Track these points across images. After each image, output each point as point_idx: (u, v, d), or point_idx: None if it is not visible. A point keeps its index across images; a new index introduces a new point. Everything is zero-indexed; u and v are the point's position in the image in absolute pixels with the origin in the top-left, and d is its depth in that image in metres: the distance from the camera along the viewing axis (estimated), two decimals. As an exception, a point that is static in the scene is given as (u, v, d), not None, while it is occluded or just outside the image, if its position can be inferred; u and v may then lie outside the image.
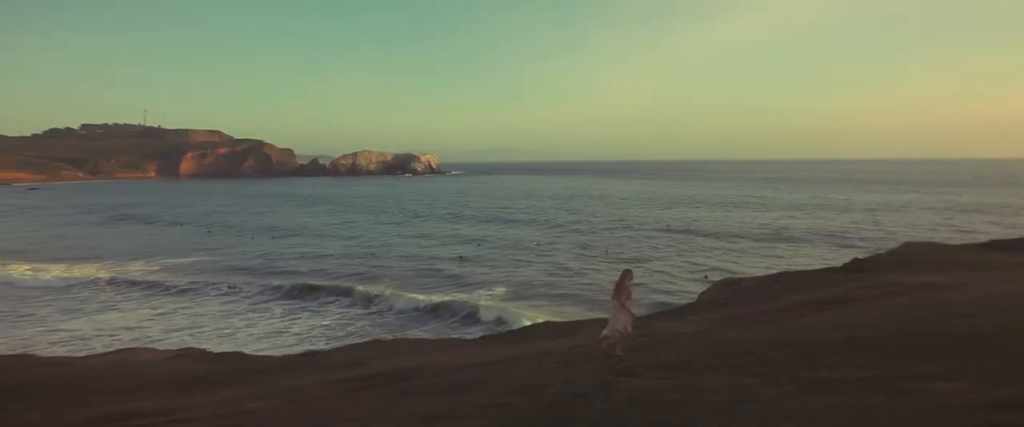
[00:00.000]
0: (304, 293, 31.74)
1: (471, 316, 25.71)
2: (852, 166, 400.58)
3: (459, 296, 29.73)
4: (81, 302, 31.51)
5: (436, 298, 29.32)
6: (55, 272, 39.40)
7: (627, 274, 9.30)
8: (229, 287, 33.69)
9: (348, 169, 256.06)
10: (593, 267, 38.38)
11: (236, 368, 12.90)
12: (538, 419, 6.29)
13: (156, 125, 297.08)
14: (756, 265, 36.84)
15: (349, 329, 25.02)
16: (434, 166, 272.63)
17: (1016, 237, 17.17)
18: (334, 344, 19.56)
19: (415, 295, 30.14)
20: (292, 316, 27.48)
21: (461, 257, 47.96)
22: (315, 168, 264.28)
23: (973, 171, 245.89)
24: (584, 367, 9.18)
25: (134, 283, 35.55)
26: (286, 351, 17.12)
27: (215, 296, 31.98)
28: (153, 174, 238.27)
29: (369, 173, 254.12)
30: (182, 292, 33.31)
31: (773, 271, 21.26)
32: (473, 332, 21.18)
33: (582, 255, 44.41)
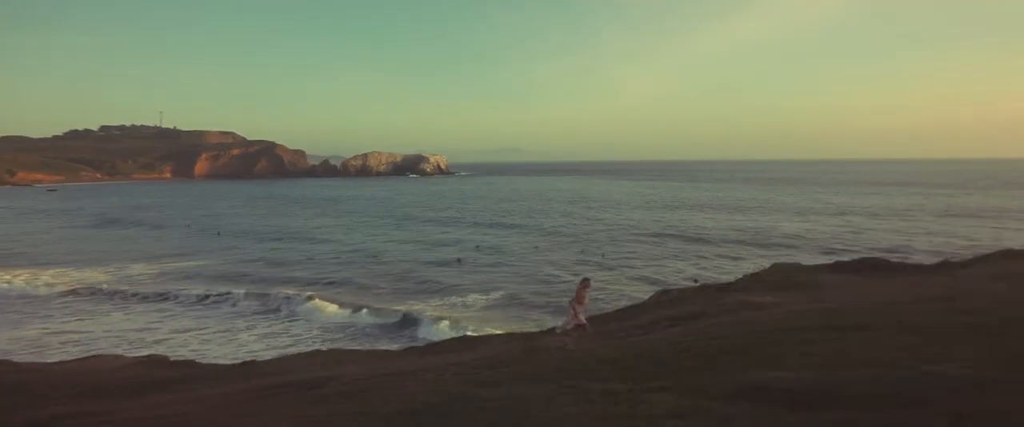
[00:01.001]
0: (270, 302, 33.08)
1: (417, 326, 27.01)
2: (868, 167, 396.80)
3: (417, 306, 31.04)
4: (65, 308, 33.29)
5: (397, 307, 30.62)
6: (45, 278, 41.35)
7: (585, 283, 11.02)
8: (206, 295, 35.15)
9: (358, 170, 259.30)
10: (581, 275, 39.22)
11: (185, 375, 14.39)
12: (383, 424, 7.69)
13: (172, 126, 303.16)
14: (732, 270, 37.76)
15: (300, 338, 26.50)
16: (443, 167, 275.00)
17: (854, 259, 18.27)
18: (286, 352, 21.04)
19: (373, 305, 31.35)
20: (256, 326, 28.91)
21: (458, 259, 49.64)
22: (326, 169, 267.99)
23: (991, 171, 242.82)
24: (462, 378, 10.55)
25: (116, 291, 37.09)
26: (240, 359, 18.62)
27: (190, 305, 33.49)
28: (168, 175, 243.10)
29: (379, 174, 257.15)
30: (165, 299, 34.94)
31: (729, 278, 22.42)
32: (420, 341, 22.56)
33: (576, 262, 45.29)
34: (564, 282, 36.67)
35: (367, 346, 23.73)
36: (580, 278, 11.51)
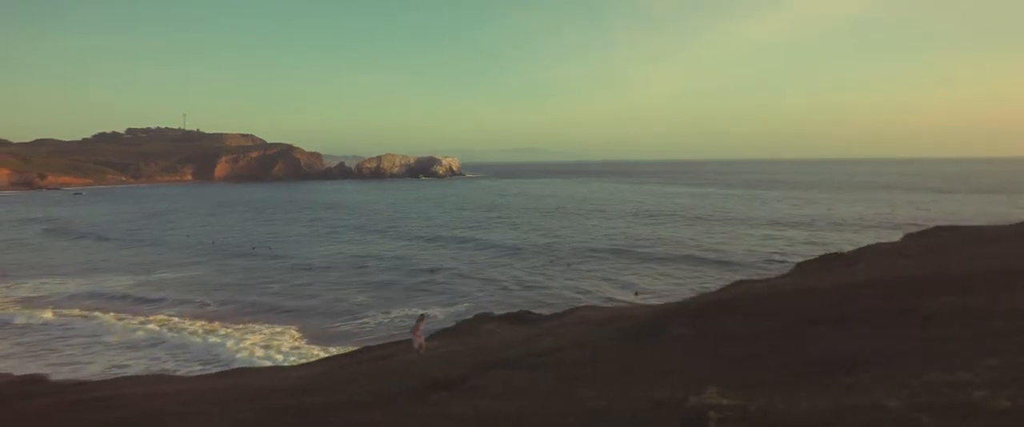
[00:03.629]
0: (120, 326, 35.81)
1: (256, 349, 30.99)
2: (884, 166, 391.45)
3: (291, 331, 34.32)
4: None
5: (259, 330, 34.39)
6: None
7: (422, 318, 16.89)
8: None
9: (372, 172, 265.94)
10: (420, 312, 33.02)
11: (29, 391, 18.30)
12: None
13: (195, 128, 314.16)
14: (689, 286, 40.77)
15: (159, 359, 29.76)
16: (455, 169, 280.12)
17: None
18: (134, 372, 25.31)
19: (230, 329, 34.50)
20: (140, 346, 31.95)
21: (432, 270, 52.97)
22: (341, 171, 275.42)
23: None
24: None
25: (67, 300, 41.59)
26: (94, 377, 22.82)
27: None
28: (190, 177, 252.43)
29: (393, 176, 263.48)
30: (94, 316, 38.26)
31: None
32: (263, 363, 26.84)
33: (531, 283, 45.91)
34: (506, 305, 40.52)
35: (166, 371, 26.20)
36: (419, 313, 17.31)
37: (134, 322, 36.12)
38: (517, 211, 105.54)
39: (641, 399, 6.80)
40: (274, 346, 31.25)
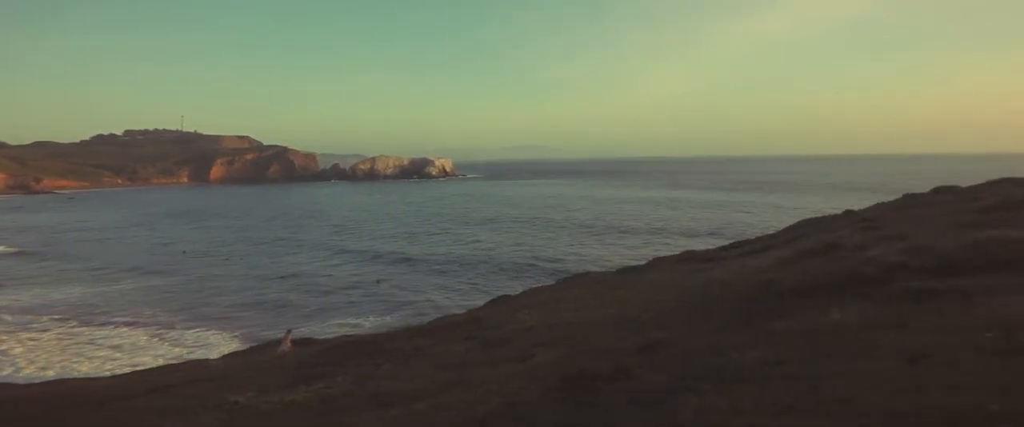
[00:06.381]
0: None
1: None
2: (884, 164, 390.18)
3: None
4: None
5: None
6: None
7: (288, 332, 20.67)
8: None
9: (366, 174, 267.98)
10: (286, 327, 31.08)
11: None
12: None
13: (192, 130, 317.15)
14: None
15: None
16: (448, 170, 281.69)
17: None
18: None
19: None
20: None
21: (378, 280, 55.45)
22: (336, 172, 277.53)
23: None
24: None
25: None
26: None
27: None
28: (185, 179, 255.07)
29: (386, 177, 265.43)
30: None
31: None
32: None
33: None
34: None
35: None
36: (285, 329, 20.89)
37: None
38: (507, 222, 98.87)
39: None
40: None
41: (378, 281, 54.52)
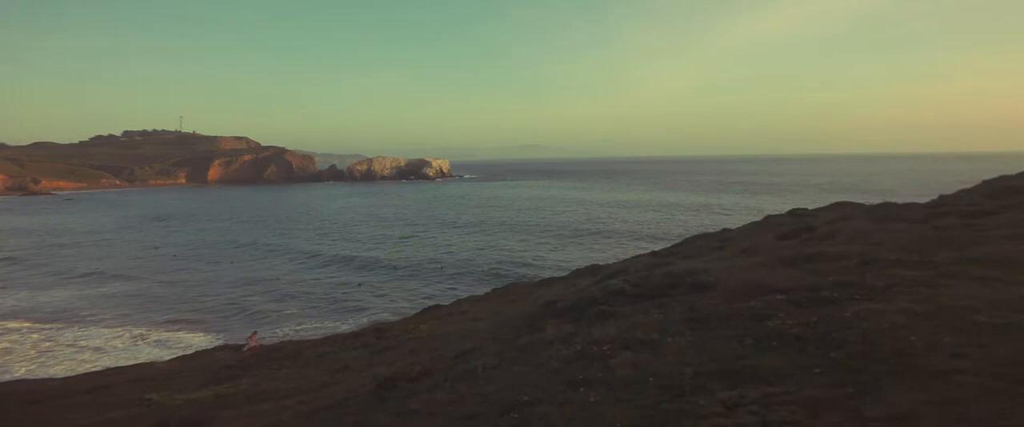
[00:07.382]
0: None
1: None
2: (883, 164, 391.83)
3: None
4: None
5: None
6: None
7: (253, 335, 23.33)
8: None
9: (364, 175, 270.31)
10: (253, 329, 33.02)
11: None
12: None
13: (191, 131, 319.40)
14: None
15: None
16: (445, 171, 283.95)
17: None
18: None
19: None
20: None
21: (359, 283, 57.76)
22: (333, 173, 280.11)
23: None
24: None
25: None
26: None
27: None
28: (183, 180, 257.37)
29: (383, 178, 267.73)
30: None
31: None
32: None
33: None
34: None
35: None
36: (252, 331, 24.60)
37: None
38: (491, 226, 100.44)
39: None
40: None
41: (359, 284, 57.01)
